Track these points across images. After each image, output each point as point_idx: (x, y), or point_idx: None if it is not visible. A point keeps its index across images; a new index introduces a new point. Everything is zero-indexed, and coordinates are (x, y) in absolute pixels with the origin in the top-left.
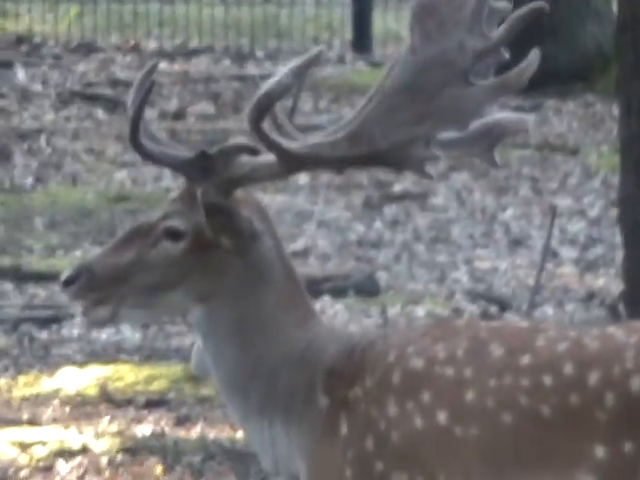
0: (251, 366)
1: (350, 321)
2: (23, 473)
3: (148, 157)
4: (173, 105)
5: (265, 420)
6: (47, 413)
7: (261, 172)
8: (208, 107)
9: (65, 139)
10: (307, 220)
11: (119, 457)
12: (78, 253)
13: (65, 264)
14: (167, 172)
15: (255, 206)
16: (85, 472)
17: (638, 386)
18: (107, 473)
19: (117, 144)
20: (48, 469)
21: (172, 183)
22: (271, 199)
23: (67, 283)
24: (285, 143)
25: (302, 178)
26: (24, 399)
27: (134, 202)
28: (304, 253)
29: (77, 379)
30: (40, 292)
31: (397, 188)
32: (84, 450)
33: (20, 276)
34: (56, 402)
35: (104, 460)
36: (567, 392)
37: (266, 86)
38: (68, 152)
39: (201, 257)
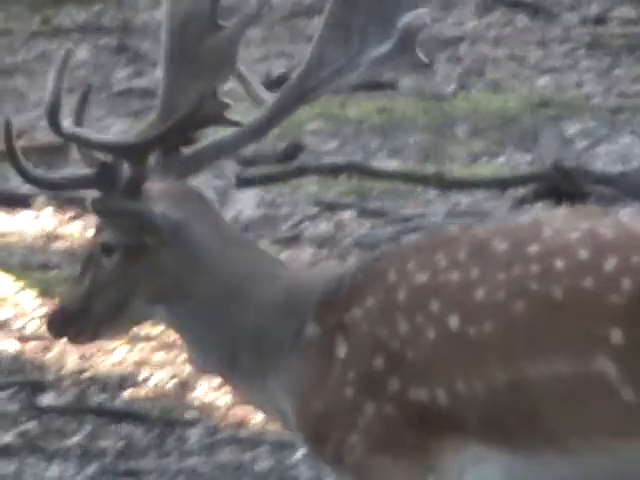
0: (230, 340)
1: None
2: None
3: (40, 184)
4: (594, 10)
5: (257, 381)
6: None
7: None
8: (630, 11)
9: (487, 45)
10: None
11: None
12: (501, 159)
13: (487, 171)
14: (589, 79)
15: (171, 196)
16: None
17: None
18: None
19: (538, 50)
20: None
21: (594, 88)
22: None
23: (49, 326)
24: (109, 138)
25: None
26: None
27: (556, 108)
28: None
29: None
30: (462, 199)
31: None
32: None
33: (443, 183)
34: None
35: None
36: (580, 275)
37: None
38: (490, 59)
39: (137, 261)
